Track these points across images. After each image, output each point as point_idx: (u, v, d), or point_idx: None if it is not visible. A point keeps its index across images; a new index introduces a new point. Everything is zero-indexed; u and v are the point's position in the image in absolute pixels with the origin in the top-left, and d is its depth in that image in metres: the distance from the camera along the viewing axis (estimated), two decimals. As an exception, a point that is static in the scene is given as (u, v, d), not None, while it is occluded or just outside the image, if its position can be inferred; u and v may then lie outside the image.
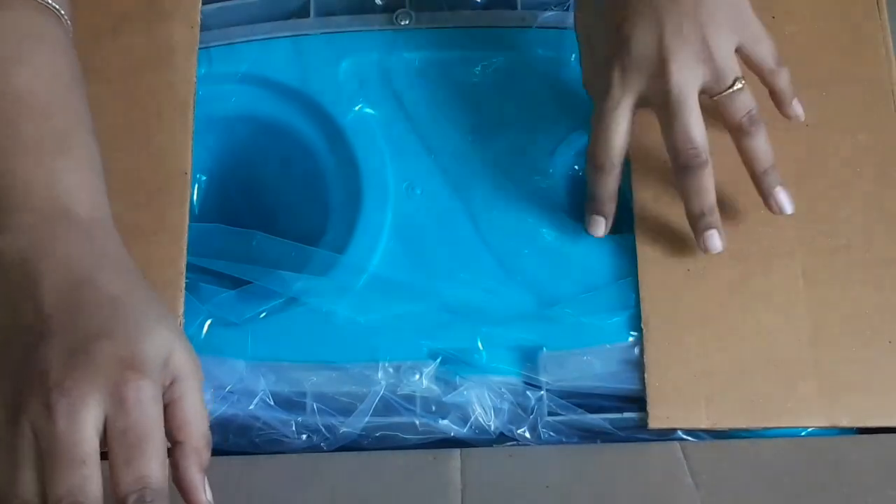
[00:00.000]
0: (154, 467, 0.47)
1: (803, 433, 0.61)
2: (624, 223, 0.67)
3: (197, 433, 0.50)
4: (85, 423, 0.47)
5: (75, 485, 0.46)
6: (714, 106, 0.61)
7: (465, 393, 0.61)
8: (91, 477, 0.47)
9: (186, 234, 0.62)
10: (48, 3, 0.55)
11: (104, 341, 0.48)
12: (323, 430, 0.60)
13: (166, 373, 0.49)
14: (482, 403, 0.61)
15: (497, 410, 0.61)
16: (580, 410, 0.61)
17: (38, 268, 0.50)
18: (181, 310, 0.60)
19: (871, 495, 0.57)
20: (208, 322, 0.62)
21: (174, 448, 0.50)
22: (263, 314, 0.63)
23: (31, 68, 0.53)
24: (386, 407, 0.61)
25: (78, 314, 0.49)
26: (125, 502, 0.47)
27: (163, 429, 0.49)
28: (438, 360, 0.62)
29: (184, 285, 0.61)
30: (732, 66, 0.61)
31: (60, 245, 0.50)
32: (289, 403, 0.61)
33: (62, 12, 0.56)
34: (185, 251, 0.62)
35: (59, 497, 0.46)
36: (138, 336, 0.49)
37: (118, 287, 0.50)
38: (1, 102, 0.52)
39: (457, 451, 0.58)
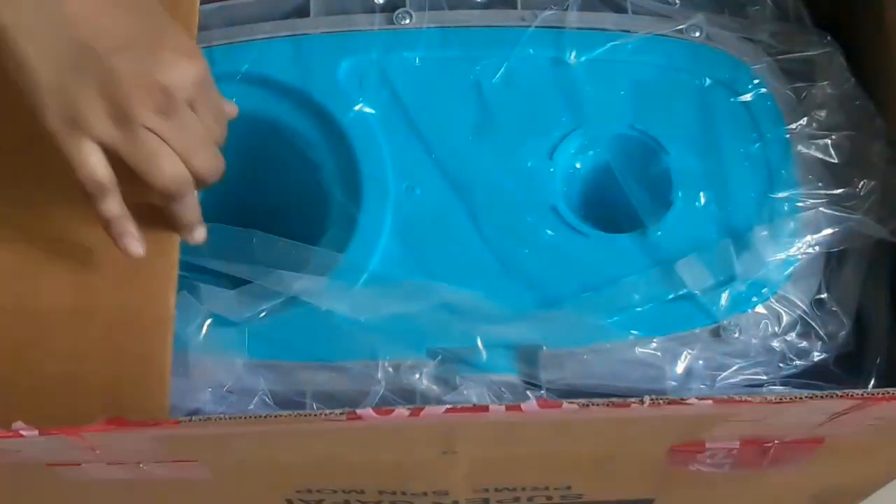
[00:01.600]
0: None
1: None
2: (624, 223, 0.67)
3: None
4: (203, 115, 0.55)
5: (218, 161, 0.57)
6: None
7: (464, 392, 0.61)
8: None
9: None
10: None
11: (167, 47, 0.53)
12: (322, 429, 0.60)
13: None
14: (482, 402, 0.61)
15: (496, 410, 0.61)
16: (580, 410, 0.61)
17: None
18: (173, 300, 0.59)
19: None
20: (208, 321, 0.62)
21: None
22: (263, 313, 0.63)
23: None
24: (386, 406, 0.61)
25: (130, 27, 0.53)
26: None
27: None
28: (438, 358, 0.62)
29: (176, 276, 0.60)
30: None
31: None
32: (288, 403, 0.61)
33: None
34: (178, 244, 0.61)
35: (206, 168, 0.55)
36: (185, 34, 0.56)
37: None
38: None
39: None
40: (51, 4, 0.52)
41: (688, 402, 0.51)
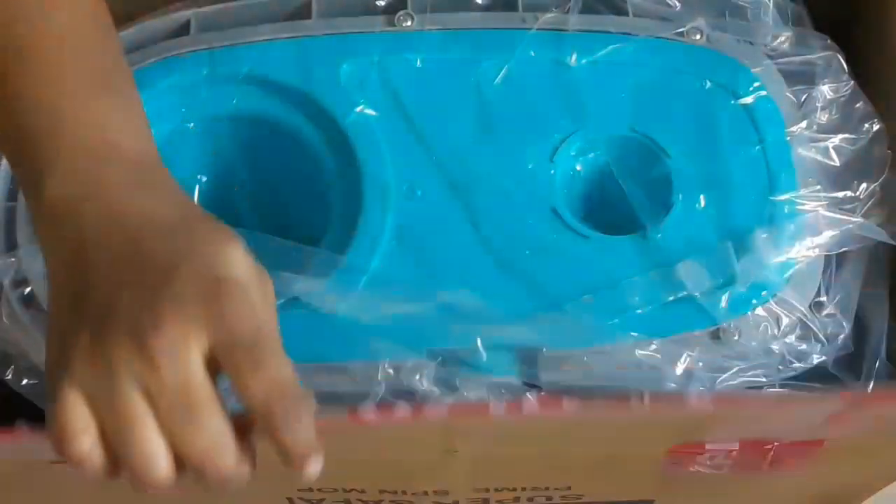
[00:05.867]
0: (288, 368, 0.44)
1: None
2: (624, 225, 0.67)
3: None
4: (197, 364, 0.42)
5: (212, 441, 0.42)
6: None
7: (465, 394, 0.61)
8: (225, 430, 0.42)
9: None
10: None
11: (181, 267, 0.44)
12: (322, 429, 0.61)
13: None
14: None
15: (496, 411, 0.61)
16: (580, 411, 0.61)
17: (90, 219, 0.46)
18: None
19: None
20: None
21: None
22: (263, 314, 0.63)
23: (72, 7, 0.52)
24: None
25: (143, 255, 0.45)
26: (267, 408, 0.42)
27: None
28: (439, 360, 0.62)
29: None
30: None
31: (112, 189, 0.47)
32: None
33: None
34: None
35: (196, 458, 0.42)
36: (214, 253, 0.45)
37: (176, 216, 0.47)
38: (45, 41, 0.50)
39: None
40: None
41: (686, 399, 0.51)
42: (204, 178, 0.71)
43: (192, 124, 0.70)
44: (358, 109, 0.68)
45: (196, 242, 0.46)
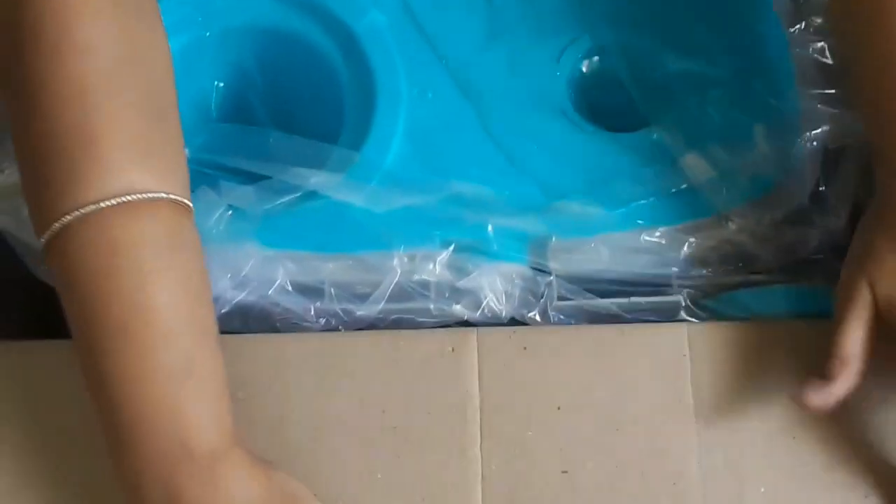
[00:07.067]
0: None
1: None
2: (629, 122, 0.69)
3: None
4: None
5: None
6: None
7: (477, 279, 0.63)
8: None
9: None
10: (183, 201, 0.54)
11: None
12: (340, 313, 0.62)
13: None
14: (493, 289, 0.63)
15: (508, 296, 0.63)
16: (589, 294, 0.63)
17: None
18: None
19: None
20: (228, 213, 0.63)
21: None
22: (281, 206, 0.64)
23: (166, 281, 0.52)
24: (401, 293, 0.63)
25: None
26: None
27: None
28: (452, 247, 0.64)
29: None
30: None
31: (183, 494, 0.50)
32: (307, 290, 0.63)
33: (191, 206, 0.55)
34: None
35: None
36: None
37: None
38: (135, 322, 0.51)
39: (474, 338, 0.61)
40: None
41: None
42: (221, 84, 0.73)
43: (208, 33, 0.71)
44: (369, 15, 0.70)
45: None
